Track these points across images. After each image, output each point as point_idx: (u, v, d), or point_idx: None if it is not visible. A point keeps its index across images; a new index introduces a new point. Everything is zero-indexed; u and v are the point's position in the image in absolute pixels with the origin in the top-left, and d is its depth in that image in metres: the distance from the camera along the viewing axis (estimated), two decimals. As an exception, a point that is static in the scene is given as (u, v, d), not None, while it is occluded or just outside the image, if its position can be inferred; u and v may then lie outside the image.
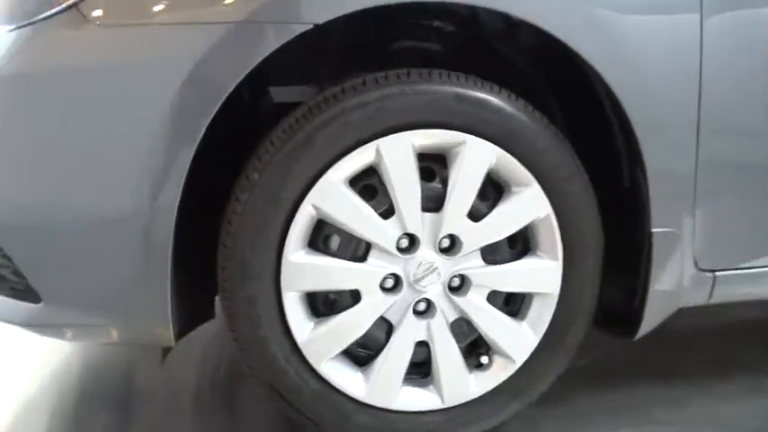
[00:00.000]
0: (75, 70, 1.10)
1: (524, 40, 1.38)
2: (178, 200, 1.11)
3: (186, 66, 1.09)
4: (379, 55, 1.45)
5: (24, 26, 1.13)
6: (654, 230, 1.30)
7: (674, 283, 1.34)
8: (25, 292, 1.20)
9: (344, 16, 1.11)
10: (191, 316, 1.29)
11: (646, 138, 1.24)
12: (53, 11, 1.12)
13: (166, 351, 1.38)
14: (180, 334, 1.29)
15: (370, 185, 1.22)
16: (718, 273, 1.38)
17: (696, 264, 1.36)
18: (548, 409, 1.47)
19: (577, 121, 1.42)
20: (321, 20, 1.10)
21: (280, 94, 1.47)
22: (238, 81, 1.10)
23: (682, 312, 1.42)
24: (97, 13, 1.10)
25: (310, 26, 1.10)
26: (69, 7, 1.11)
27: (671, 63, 1.24)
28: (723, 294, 1.41)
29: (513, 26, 1.34)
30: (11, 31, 1.13)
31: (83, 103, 1.10)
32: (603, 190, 1.35)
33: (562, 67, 1.32)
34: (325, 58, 1.46)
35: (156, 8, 1.10)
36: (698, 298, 1.40)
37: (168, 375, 1.69)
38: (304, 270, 1.18)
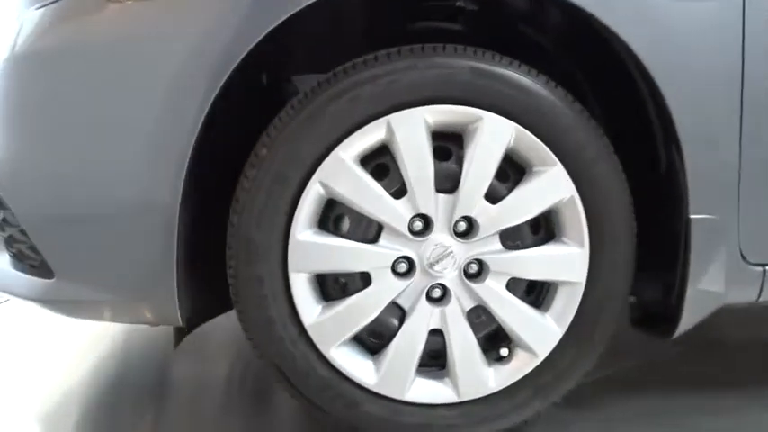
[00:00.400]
0: (96, 45, 1.12)
1: (550, 19, 1.32)
2: (183, 175, 1.10)
3: (199, 33, 1.08)
4: (402, 37, 1.41)
5: (49, 4, 1.16)
6: (692, 217, 1.20)
7: (715, 278, 1.23)
8: (40, 267, 1.21)
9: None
10: (205, 302, 1.27)
11: (680, 113, 1.15)
12: None
13: (179, 337, 1.36)
14: (193, 319, 1.28)
15: (382, 165, 1.18)
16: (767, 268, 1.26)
17: (742, 256, 1.24)
18: (580, 411, 1.39)
19: (609, 103, 1.34)
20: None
21: (303, 83, 1.46)
22: (252, 46, 1.08)
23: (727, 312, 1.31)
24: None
25: (302, 5, 1.08)
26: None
27: (710, 33, 1.15)
28: (775, 292, 1.28)
29: (537, 4, 1.28)
30: (37, 8, 1.17)
31: (100, 78, 1.12)
32: (639, 176, 1.26)
33: (590, 47, 1.25)
34: (349, 46, 1.44)
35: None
36: (744, 295, 1.27)
37: (201, 369, 1.70)
38: (312, 250, 1.15)
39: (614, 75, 1.26)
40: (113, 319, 1.21)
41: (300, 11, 1.08)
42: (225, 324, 1.89)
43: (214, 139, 1.16)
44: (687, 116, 1.16)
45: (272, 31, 1.09)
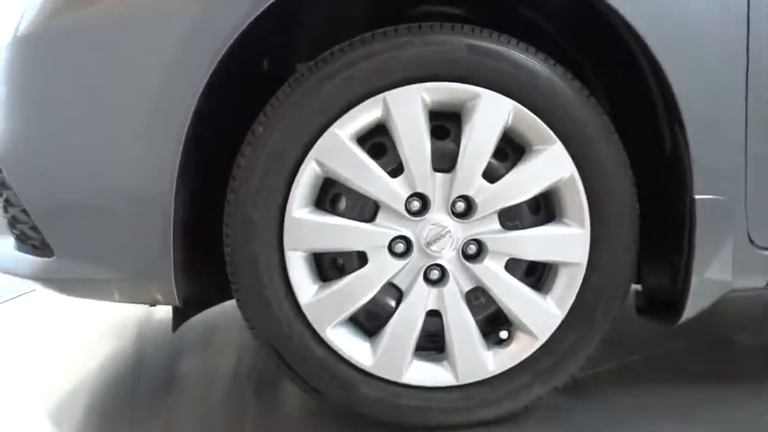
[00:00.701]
0: (94, 24, 1.13)
1: (550, 1, 1.30)
2: (179, 153, 1.10)
3: (186, 19, 1.10)
4: (404, 22, 1.41)
5: None
6: (697, 197, 1.17)
7: (722, 261, 1.20)
8: (41, 247, 1.22)
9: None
10: (203, 284, 1.27)
11: (683, 91, 1.13)
12: None
13: (178, 322, 1.36)
14: (191, 302, 1.28)
15: (379, 144, 1.17)
16: (777, 251, 1.22)
17: (750, 240, 1.21)
18: (582, 400, 1.36)
19: (612, 85, 1.32)
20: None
21: None
22: (243, 29, 1.08)
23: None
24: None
25: None
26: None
27: (713, 9, 1.14)
28: (785, 278, 1.24)
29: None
30: None
31: (98, 56, 1.13)
32: (645, 158, 1.24)
33: (592, 28, 1.24)
34: (352, 33, 1.44)
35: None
36: (752, 281, 1.24)
37: (207, 364, 1.70)
38: (307, 228, 1.14)
39: (616, 55, 1.24)
40: (111, 299, 1.21)
41: None
42: (230, 322, 1.91)
43: (213, 122, 1.17)
44: (690, 94, 1.14)
45: (270, 17, 1.09)
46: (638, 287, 1.38)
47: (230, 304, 1.30)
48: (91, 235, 1.17)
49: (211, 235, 1.20)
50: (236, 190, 1.14)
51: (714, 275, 1.21)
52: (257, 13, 1.09)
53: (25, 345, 1.94)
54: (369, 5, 1.37)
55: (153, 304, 1.23)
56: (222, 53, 1.09)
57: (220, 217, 1.17)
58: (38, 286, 1.27)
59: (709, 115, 1.16)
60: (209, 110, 1.14)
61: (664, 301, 1.30)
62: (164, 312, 1.37)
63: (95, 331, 2.04)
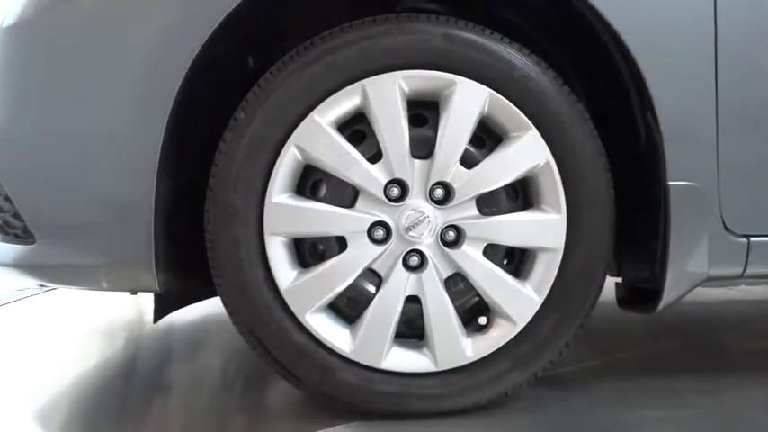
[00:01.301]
0: (80, 14, 1.16)
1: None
2: (160, 143, 1.12)
3: (173, 6, 1.13)
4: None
5: None
6: (670, 183, 1.19)
7: (697, 248, 1.21)
8: (24, 236, 1.23)
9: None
10: (184, 274, 1.27)
11: (654, 79, 1.16)
12: None
13: (159, 312, 1.35)
14: (172, 293, 1.28)
15: (359, 132, 1.19)
16: (753, 238, 1.23)
17: (725, 227, 1.23)
18: (563, 390, 1.36)
19: (588, 77, 1.35)
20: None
21: None
22: (225, 16, 1.11)
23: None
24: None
25: None
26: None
27: (683, 6, 1.17)
28: (761, 266, 1.25)
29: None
30: None
31: (79, 48, 1.16)
32: (620, 148, 1.27)
33: (568, 21, 1.27)
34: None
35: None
36: (728, 269, 1.25)
37: (199, 368, 1.70)
38: (287, 213, 1.16)
39: (591, 48, 1.27)
40: (94, 285, 1.22)
41: None
42: (218, 324, 1.91)
43: (198, 112, 1.19)
44: (662, 83, 1.17)
45: (250, 14, 1.12)
46: (618, 280, 1.40)
47: (218, 307, 1.30)
48: (73, 220, 1.18)
49: (194, 223, 1.21)
50: (217, 176, 1.16)
51: (690, 263, 1.22)
52: (231, 10, 1.11)
53: (14, 348, 1.93)
54: (353, 3, 1.40)
55: (134, 292, 1.24)
56: (201, 46, 1.11)
57: (202, 205, 1.18)
58: (20, 275, 1.27)
59: (680, 103, 1.18)
60: (193, 100, 1.16)
61: (642, 290, 1.31)
62: (152, 315, 1.38)
63: (84, 334, 2.04)
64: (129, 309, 2.28)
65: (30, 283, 1.34)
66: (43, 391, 1.50)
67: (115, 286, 1.22)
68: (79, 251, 1.18)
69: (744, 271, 1.26)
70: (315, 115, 1.14)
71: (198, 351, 1.89)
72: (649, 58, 1.16)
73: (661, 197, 1.20)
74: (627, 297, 1.37)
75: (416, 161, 1.17)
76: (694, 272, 1.23)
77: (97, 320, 2.14)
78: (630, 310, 1.36)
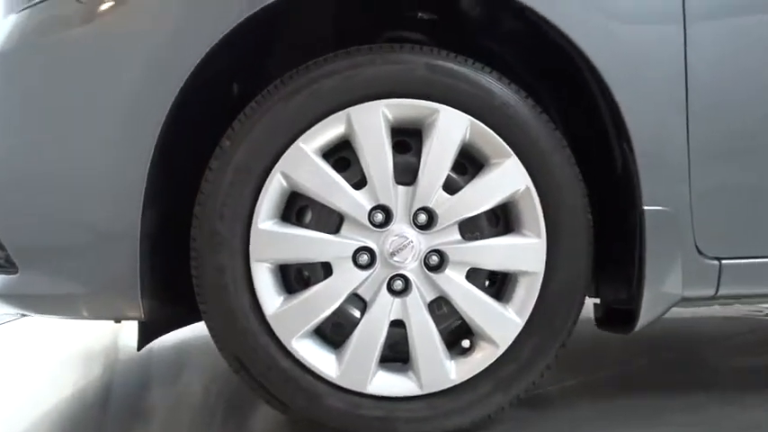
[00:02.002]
0: (66, 43, 1.17)
1: (504, 27, 1.38)
2: (147, 170, 1.13)
3: (159, 35, 1.14)
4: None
5: (26, 8, 1.23)
6: (645, 209, 1.23)
7: (671, 271, 1.25)
8: (5, 264, 1.22)
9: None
10: (169, 300, 1.27)
11: (630, 108, 1.20)
12: None
13: (143, 340, 1.35)
14: (156, 321, 1.28)
15: (344, 158, 1.21)
16: (725, 261, 1.28)
17: (698, 250, 1.27)
18: (547, 411, 1.38)
19: (567, 107, 1.39)
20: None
21: None
22: (212, 46, 1.13)
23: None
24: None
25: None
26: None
27: (654, 32, 1.22)
28: (732, 287, 1.30)
29: (488, 11, 1.35)
30: (17, 12, 1.23)
31: (69, 71, 1.17)
32: (598, 176, 1.31)
33: (547, 54, 1.31)
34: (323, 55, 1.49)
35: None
36: (701, 290, 1.29)
37: (181, 391, 1.69)
38: (273, 239, 1.17)
39: (570, 79, 1.31)
40: (77, 315, 1.21)
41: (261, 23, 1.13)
42: (199, 347, 1.90)
43: (183, 142, 1.20)
44: (636, 113, 1.21)
45: (239, 42, 1.14)
46: (597, 300, 1.43)
47: (197, 330, 1.30)
48: (57, 249, 1.18)
49: (179, 251, 1.21)
50: (203, 204, 1.17)
51: (665, 285, 1.26)
52: (218, 39, 1.13)
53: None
54: (338, 33, 1.43)
55: (118, 320, 1.23)
56: (189, 74, 1.13)
57: (188, 233, 1.19)
58: (3, 305, 1.25)
59: (654, 132, 1.23)
60: (180, 127, 1.17)
61: (620, 311, 1.35)
62: (131, 339, 1.37)
63: (62, 360, 2.00)
64: (108, 333, 2.25)
65: (12, 311, 1.32)
66: (19, 420, 1.47)
67: (100, 315, 1.21)
68: (63, 280, 1.18)
69: (716, 292, 1.30)
70: (300, 143, 1.16)
71: (179, 375, 1.87)
72: (624, 88, 1.20)
73: (637, 222, 1.24)
74: (605, 318, 1.40)
75: (400, 187, 1.20)
76: (669, 293, 1.27)
77: (75, 346, 2.11)
78: (608, 330, 1.39)
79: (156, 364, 1.94)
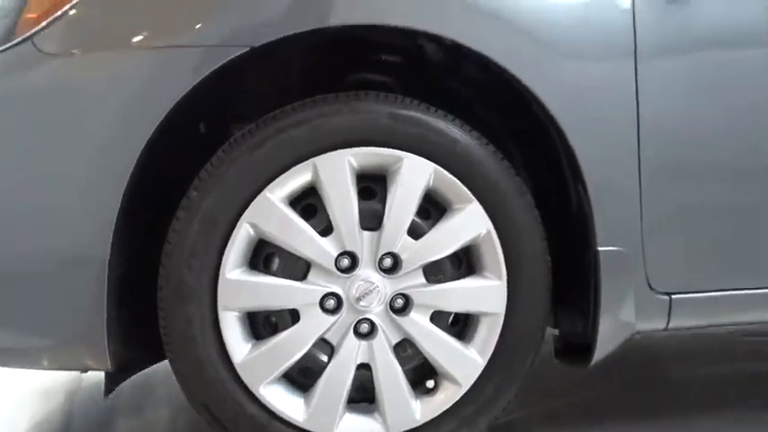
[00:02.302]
0: (29, 94, 1.16)
1: (466, 72, 1.42)
2: (114, 221, 1.13)
3: (124, 90, 1.14)
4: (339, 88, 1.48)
5: None
6: (599, 249, 1.29)
7: (625, 307, 1.31)
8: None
9: (281, 40, 1.15)
10: (137, 347, 1.27)
11: (583, 151, 1.25)
12: (10, 44, 1.18)
13: (109, 386, 1.34)
14: (125, 367, 1.27)
15: (310, 205, 1.23)
16: (674, 296, 1.35)
17: (649, 286, 1.33)
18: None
19: (527, 149, 1.43)
20: (257, 42, 1.15)
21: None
22: (176, 102, 1.13)
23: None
24: (48, 44, 1.16)
25: (246, 49, 1.15)
26: (24, 40, 1.18)
27: (606, 77, 1.27)
28: (682, 320, 1.37)
29: (454, 57, 1.39)
30: None
31: (33, 125, 1.15)
32: (555, 216, 1.36)
33: (506, 96, 1.35)
34: (289, 95, 1.50)
35: (95, 38, 1.16)
36: (653, 323, 1.36)
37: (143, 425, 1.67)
38: (241, 288, 1.18)
39: (528, 122, 1.35)
40: (40, 366, 1.20)
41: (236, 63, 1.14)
42: (162, 382, 1.88)
43: (151, 185, 1.20)
44: (589, 156, 1.26)
45: (208, 86, 1.15)
46: (556, 331, 1.49)
47: (162, 364, 1.30)
48: (19, 300, 1.16)
49: (143, 295, 1.21)
50: (170, 254, 1.17)
51: (619, 320, 1.32)
52: (195, 83, 1.13)
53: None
54: (305, 74, 1.44)
55: (84, 370, 1.22)
56: (160, 120, 1.13)
57: (152, 277, 1.19)
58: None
59: (607, 175, 1.28)
60: (149, 172, 1.17)
61: (577, 344, 1.41)
62: (94, 373, 1.35)
63: (21, 395, 1.96)
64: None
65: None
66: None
67: (65, 367, 1.21)
68: (26, 332, 1.16)
69: (667, 324, 1.37)
70: (267, 193, 1.17)
71: (143, 406, 1.86)
72: (577, 130, 1.24)
73: (591, 261, 1.30)
74: (563, 349, 1.46)
75: (366, 233, 1.22)
76: (623, 328, 1.33)
77: (32, 379, 2.07)
78: (566, 362, 1.44)
79: (119, 396, 1.92)
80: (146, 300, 1.20)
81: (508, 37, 1.23)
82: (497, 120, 1.45)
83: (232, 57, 1.14)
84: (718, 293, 1.38)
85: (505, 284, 1.26)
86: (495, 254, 1.25)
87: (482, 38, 1.21)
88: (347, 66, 1.44)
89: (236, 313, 1.19)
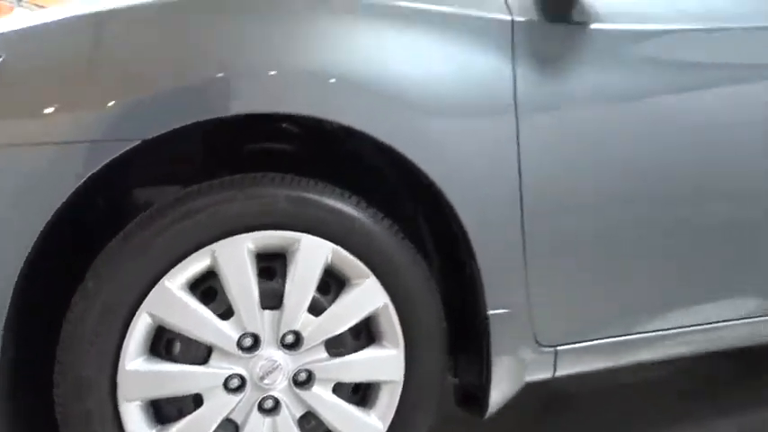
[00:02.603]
0: None
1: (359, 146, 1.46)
2: (5, 313, 1.11)
3: (15, 185, 1.12)
4: (239, 155, 1.49)
5: None
6: (490, 313, 1.38)
7: (515, 361, 1.42)
8: None
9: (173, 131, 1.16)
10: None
11: (472, 225, 1.32)
12: None
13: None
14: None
15: (211, 288, 1.25)
16: (559, 348, 1.46)
17: (536, 340, 1.44)
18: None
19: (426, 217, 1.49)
20: (149, 135, 1.15)
21: (144, 195, 1.49)
22: (67, 197, 1.12)
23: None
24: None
25: (138, 142, 1.15)
26: None
27: (487, 147, 1.34)
28: (567, 368, 1.49)
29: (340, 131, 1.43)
30: None
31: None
32: (450, 279, 1.43)
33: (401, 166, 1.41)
34: (189, 159, 1.50)
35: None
36: (542, 374, 1.47)
37: None
38: (142, 379, 1.19)
39: (424, 195, 1.40)
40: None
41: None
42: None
43: (47, 267, 1.18)
44: (476, 227, 1.33)
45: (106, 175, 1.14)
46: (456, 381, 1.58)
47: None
48: None
49: (39, 393, 1.19)
50: (66, 347, 1.16)
51: (509, 373, 1.42)
52: (88, 175, 1.13)
53: None
54: (205, 144, 1.45)
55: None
56: (49, 217, 1.12)
57: (48, 370, 1.17)
58: None
59: (493, 243, 1.36)
60: (45, 262, 1.15)
61: (475, 394, 1.50)
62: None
63: None
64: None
65: None
66: None
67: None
68: None
69: (554, 374, 1.49)
70: (166, 282, 1.18)
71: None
72: (466, 207, 1.30)
73: (482, 324, 1.39)
74: (462, 399, 1.55)
75: (267, 312, 1.25)
76: (514, 381, 1.43)
77: None
78: (466, 410, 1.54)
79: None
80: (43, 397, 1.18)
81: (373, 107, 1.26)
82: (401, 185, 1.51)
83: (123, 150, 1.14)
84: (598, 342, 1.51)
85: (403, 353, 1.33)
86: (392, 325, 1.32)
87: (346, 112, 1.24)
88: (246, 136, 1.46)
89: (139, 403, 1.19)
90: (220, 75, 1.19)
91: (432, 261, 1.45)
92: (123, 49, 1.19)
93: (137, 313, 1.17)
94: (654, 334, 1.55)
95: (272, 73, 1.22)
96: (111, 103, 1.15)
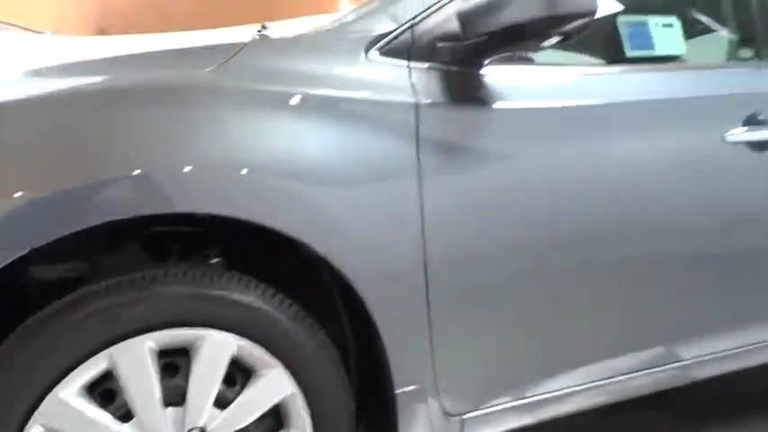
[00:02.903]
0: None
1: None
2: None
3: None
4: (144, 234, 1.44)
5: None
6: (397, 392, 1.40)
7: (426, 429, 1.45)
8: None
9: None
10: None
11: (374, 303, 1.33)
12: None
13: None
14: None
15: (110, 390, 1.21)
16: (465, 416, 1.51)
17: (444, 411, 1.48)
18: None
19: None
20: (37, 243, 1.10)
21: (45, 272, 1.42)
22: None
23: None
24: None
25: (27, 250, 1.10)
26: None
27: (388, 225, 1.35)
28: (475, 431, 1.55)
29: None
30: None
31: None
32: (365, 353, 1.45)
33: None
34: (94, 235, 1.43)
35: None
36: None
37: None
38: (37, 491, 1.15)
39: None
40: None
41: None
42: None
43: None
44: (381, 308, 1.34)
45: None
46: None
47: None
48: None
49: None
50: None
51: (421, 442, 1.46)
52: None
53: None
54: (107, 229, 1.39)
55: None
56: None
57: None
58: None
59: (399, 326, 1.38)
60: None
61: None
62: None
63: None
64: None
65: None
66: None
67: None
68: None
69: (462, 440, 1.54)
70: (59, 392, 1.14)
71: None
72: (365, 282, 1.30)
73: (391, 402, 1.41)
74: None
75: (170, 409, 1.23)
76: (425, 451, 1.48)
77: None
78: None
79: None
80: None
81: (266, 199, 1.24)
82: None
83: (13, 258, 1.09)
84: (505, 405, 1.57)
85: (312, 437, 1.34)
86: (300, 411, 1.32)
87: (242, 207, 1.22)
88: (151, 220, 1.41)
89: None
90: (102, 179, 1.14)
91: (348, 340, 1.46)
92: (14, 146, 1.13)
93: (28, 425, 1.13)
94: (563, 391, 1.62)
95: (150, 173, 1.16)
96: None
